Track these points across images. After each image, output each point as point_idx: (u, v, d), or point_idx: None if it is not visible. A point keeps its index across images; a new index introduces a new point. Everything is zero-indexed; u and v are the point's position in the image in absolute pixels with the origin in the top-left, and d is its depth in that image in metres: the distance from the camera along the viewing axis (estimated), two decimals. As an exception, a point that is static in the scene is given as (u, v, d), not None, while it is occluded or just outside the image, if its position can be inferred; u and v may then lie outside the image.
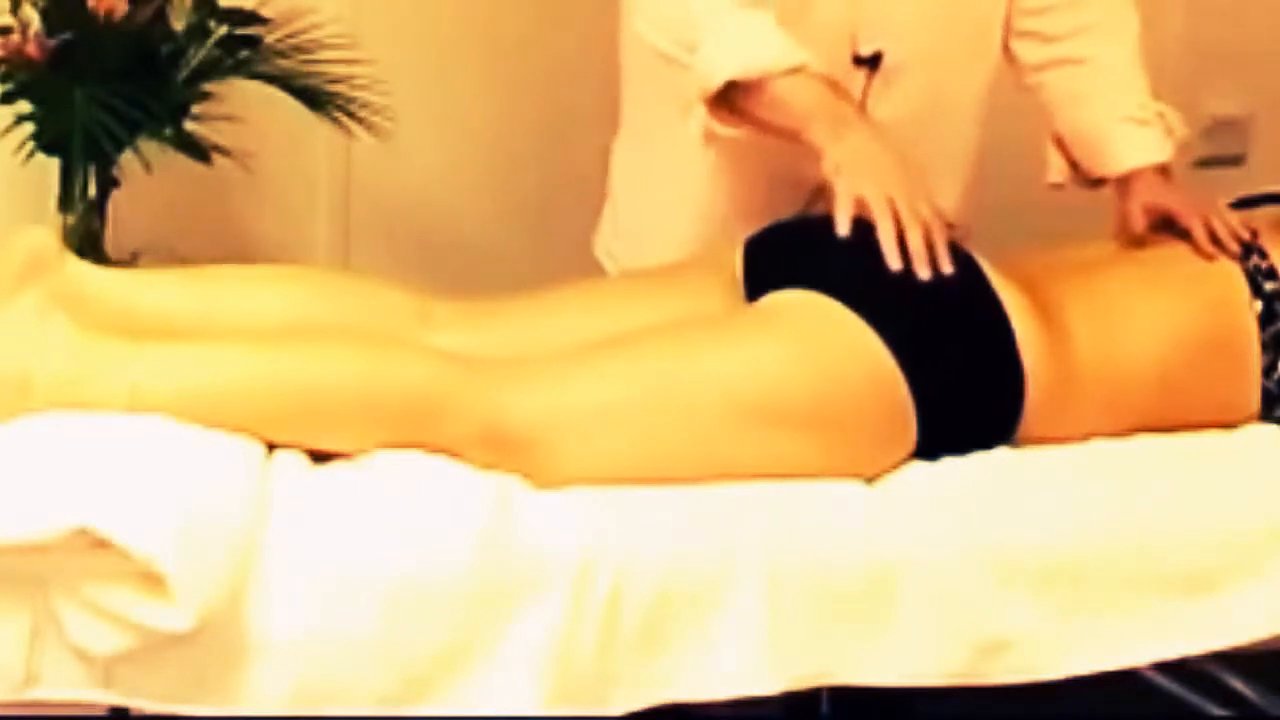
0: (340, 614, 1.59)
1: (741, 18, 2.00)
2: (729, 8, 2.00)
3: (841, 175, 1.91)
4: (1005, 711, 2.04)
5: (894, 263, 1.85)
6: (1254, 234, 2.07)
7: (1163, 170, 2.19)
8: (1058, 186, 2.28)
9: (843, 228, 1.89)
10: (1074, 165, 2.25)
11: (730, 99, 1.99)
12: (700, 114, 2.01)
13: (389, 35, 2.72)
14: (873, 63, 2.11)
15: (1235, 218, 2.10)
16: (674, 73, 2.05)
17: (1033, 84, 2.26)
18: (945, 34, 2.14)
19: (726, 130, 2.04)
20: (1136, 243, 2.13)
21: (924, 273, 1.85)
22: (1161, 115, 2.20)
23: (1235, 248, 2.05)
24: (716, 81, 1.97)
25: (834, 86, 1.99)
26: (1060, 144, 2.26)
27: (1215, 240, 2.06)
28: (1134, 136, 2.19)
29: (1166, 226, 2.12)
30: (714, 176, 2.16)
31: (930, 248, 1.86)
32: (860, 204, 1.89)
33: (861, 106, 2.10)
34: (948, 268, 1.86)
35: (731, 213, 2.16)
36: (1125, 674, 1.79)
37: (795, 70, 1.96)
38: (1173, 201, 2.13)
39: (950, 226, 1.92)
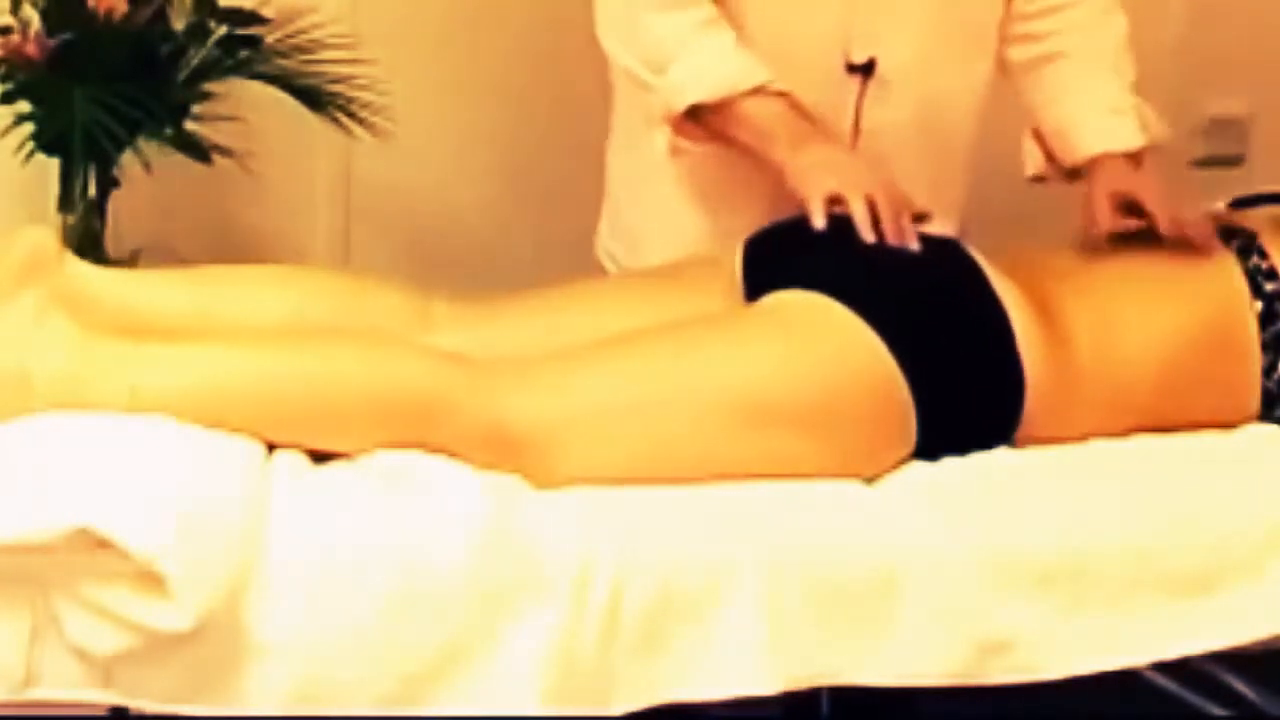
0: (340, 614, 1.59)
1: (704, 39, 2.05)
2: (691, 29, 2.05)
3: (806, 179, 1.97)
4: (1005, 711, 2.04)
5: (868, 237, 1.91)
6: (1254, 234, 2.07)
7: (1134, 159, 2.16)
8: (1037, 179, 2.27)
9: (818, 220, 1.94)
10: (1050, 157, 2.24)
11: (695, 115, 2.05)
12: (665, 132, 2.10)
13: (389, 35, 2.72)
14: (866, 70, 2.11)
15: (1206, 214, 2.08)
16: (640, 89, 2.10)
17: (1021, 85, 2.25)
18: (939, 40, 2.14)
19: (693, 147, 2.10)
20: (1137, 243, 2.13)
21: (897, 243, 1.90)
22: (1137, 108, 2.19)
23: (1203, 233, 2.02)
24: (682, 104, 2.04)
25: (795, 105, 2.04)
26: (1039, 137, 2.25)
27: (1183, 231, 2.03)
28: (1104, 123, 2.17)
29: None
30: (703, 182, 2.17)
31: (902, 230, 1.92)
32: (831, 198, 1.93)
33: (856, 114, 2.12)
34: (915, 245, 1.92)
35: (724, 213, 2.16)
36: (1125, 674, 1.78)
37: (757, 90, 2.02)
38: (1139, 187, 2.09)
39: (921, 217, 1.96)
